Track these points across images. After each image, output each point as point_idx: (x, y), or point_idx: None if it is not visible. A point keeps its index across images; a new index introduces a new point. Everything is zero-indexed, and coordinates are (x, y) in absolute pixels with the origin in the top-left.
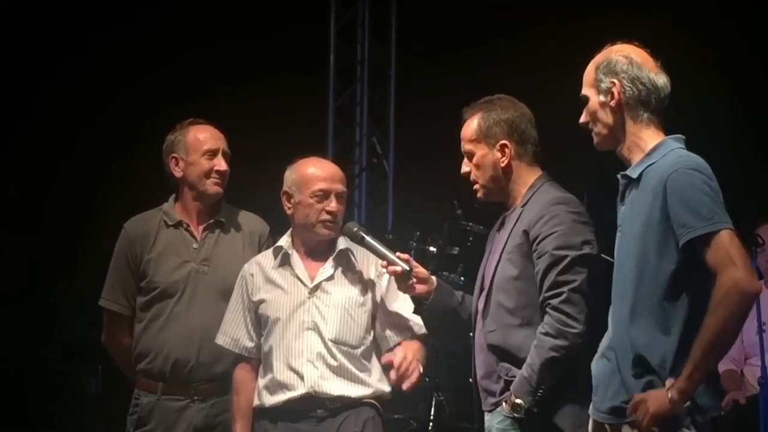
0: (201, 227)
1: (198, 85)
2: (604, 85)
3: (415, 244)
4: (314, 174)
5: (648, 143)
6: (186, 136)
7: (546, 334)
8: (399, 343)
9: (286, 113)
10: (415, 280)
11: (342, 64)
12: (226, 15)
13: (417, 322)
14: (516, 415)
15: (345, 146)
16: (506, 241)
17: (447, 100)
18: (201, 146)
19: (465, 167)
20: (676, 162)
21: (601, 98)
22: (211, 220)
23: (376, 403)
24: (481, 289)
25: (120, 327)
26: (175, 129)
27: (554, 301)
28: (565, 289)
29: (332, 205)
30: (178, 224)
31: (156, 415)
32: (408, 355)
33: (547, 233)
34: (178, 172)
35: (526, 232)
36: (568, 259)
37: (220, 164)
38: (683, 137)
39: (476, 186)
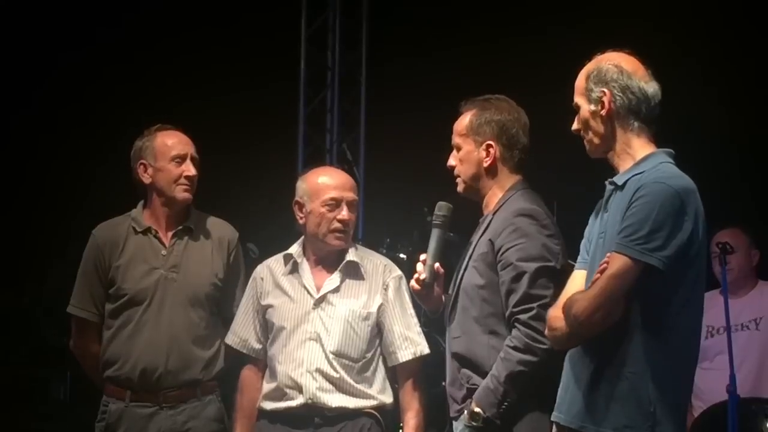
0: (170, 233)
1: (167, 92)
2: (594, 95)
3: (385, 251)
4: (325, 183)
5: (638, 152)
6: (154, 142)
7: (514, 348)
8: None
9: (257, 119)
10: (427, 293)
11: (312, 70)
12: (196, 21)
13: (420, 341)
14: (474, 423)
15: (315, 153)
16: (474, 248)
17: (418, 106)
18: (169, 152)
19: (452, 160)
20: (660, 177)
21: (592, 107)
22: (180, 227)
23: (377, 414)
24: (450, 295)
25: (88, 334)
26: (143, 135)
27: (523, 316)
28: (534, 304)
29: (343, 213)
30: (146, 231)
31: (125, 422)
32: None
33: (510, 245)
34: (146, 178)
35: (491, 242)
36: (533, 271)
37: (189, 169)
38: (673, 152)
39: (458, 179)
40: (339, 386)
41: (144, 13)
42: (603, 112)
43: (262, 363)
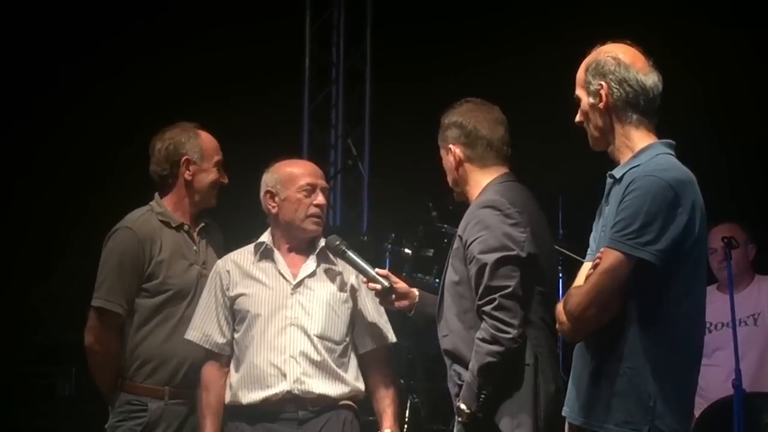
0: (194, 231)
1: (171, 89)
2: (592, 87)
3: (390, 246)
4: (299, 170)
5: (637, 144)
6: (200, 141)
7: (483, 340)
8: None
9: (261, 115)
10: (394, 296)
11: (317, 66)
12: (201, 18)
13: (388, 330)
14: (460, 419)
15: (320, 148)
16: (451, 248)
17: (422, 102)
18: (214, 155)
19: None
20: (652, 170)
21: (591, 100)
22: (202, 224)
23: (353, 405)
24: (438, 295)
25: (115, 329)
26: (180, 129)
27: (488, 308)
28: (496, 295)
29: (320, 198)
30: (179, 227)
31: (165, 420)
32: None
33: (473, 238)
34: (188, 175)
35: (460, 237)
36: (493, 262)
37: (225, 178)
38: (673, 143)
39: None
40: (322, 369)
41: (150, 13)
42: (601, 105)
43: (226, 358)
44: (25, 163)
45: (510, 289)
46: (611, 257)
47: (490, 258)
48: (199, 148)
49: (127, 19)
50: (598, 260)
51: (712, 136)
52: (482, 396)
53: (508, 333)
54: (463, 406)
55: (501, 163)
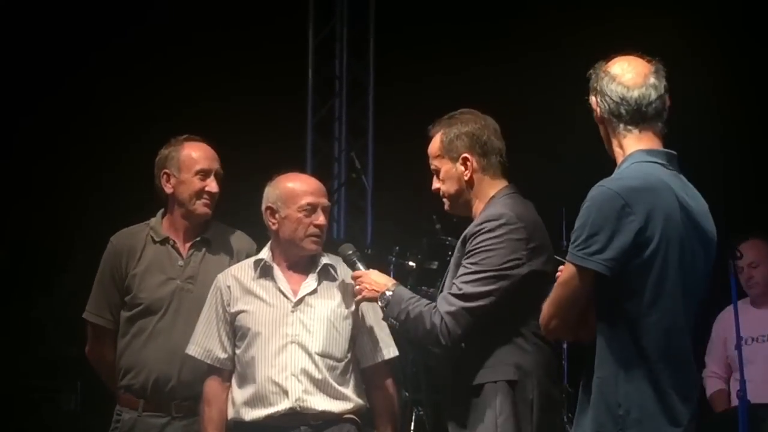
0: (187, 245)
1: (176, 102)
2: (590, 102)
3: (394, 259)
4: (301, 188)
5: (626, 153)
6: (180, 153)
7: (439, 323)
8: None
9: (265, 128)
10: None
11: (320, 79)
12: (204, 30)
13: (390, 344)
14: (381, 304)
15: (323, 161)
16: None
17: (426, 114)
18: (194, 165)
19: (435, 183)
20: (605, 180)
21: (594, 113)
22: (198, 238)
23: (356, 419)
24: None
25: (103, 341)
26: (170, 144)
27: (455, 303)
28: (467, 304)
29: (320, 219)
30: (164, 240)
31: None
32: None
33: (473, 250)
34: (168, 188)
35: (464, 247)
36: (483, 275)
37: (212, 186)
38: (659, 149)
39: (444, 199)
40: (323, 388)
41: (153, 25)
42: (596, 118)
43: (227, 373)
44: (27, 175)
45: (476, 305)
46: (566, 270)
47: (480, 269)
48: (177, 161)
49: (130, 33)
50: (560, 273)
51: (743, 145)
52: (392, 318)
53: (448, 340)
54: (388, 293)
55: (504, 175)
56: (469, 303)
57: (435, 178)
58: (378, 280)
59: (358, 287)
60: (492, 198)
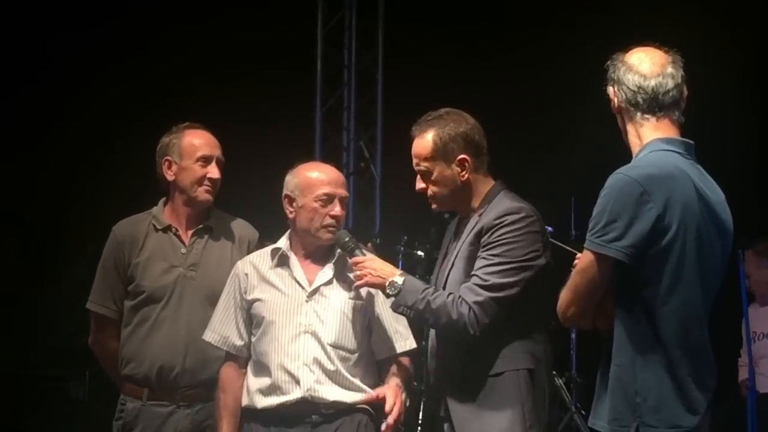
0: (190, 232)
1: (184, 90)
2: (608, 92)
3: (402, 248)
4: (319, 178)
5: (643, 142)
6: (181, 140)
7: (467, 313)
8: (391, 360)
9: (274, 117)
10: None
11: (329, 69)
12: (213, 19)
13: (408, 336)
14: (390, 292)
15: (332, 150)
16: (460, 248)
17: (434, 104)
18: (195, 152)
19: (420, 184)
20: (623, 168)
21: (612, 104)
22: (200, 226)
23: (370, 409)
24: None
25: (107, 331)
26: (171, 131)
27: (483, 293)
28: (494, 294)
29: (336, 209)
30: (166, 228)
31: (141, 421)
32: (396, 401)
33: (494, 242)
34: (170, 176)
35: (478, 240)
36: (507, 266)
37: (213, 172)
38: (676, 138)
39: (431, 200)
40: (336, 379)
41: (162, 15)
42: (614, 108)
43: (243, 360)
44: (36, 167)
45: (503, 294)
46: (584, 257)
47: (506, 260)
48: (178, 148)
49: (137, 21)
50: (577, 260)
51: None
52: (409, 309)
53: (477, 330)
54: (398, 281)
55: (490, 172)
56: (496, 293)
57: (420, 178)
58: (383, 267)
59: (359, 272)
60: (489, 192)
